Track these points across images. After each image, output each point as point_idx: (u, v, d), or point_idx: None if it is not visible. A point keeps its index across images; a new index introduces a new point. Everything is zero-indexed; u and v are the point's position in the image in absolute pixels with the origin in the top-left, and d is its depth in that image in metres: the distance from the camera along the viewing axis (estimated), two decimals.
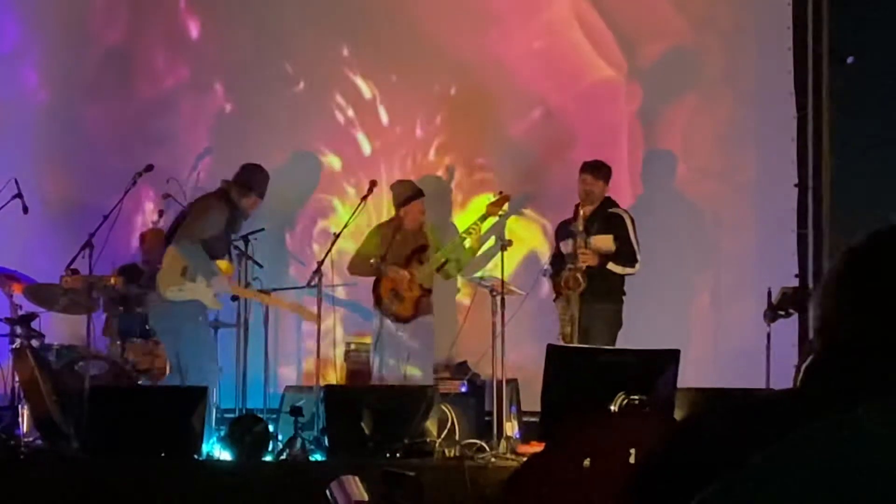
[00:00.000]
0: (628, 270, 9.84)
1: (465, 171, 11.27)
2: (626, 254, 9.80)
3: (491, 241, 10.24)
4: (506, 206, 10.34)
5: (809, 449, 1.50)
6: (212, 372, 9.56)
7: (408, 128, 11.33)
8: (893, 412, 1.53)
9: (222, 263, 9.67)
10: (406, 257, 10.21)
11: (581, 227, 9.76)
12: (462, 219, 10.85)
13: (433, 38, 11.34)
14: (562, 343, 9.59)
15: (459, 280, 10.70)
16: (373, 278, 10.33)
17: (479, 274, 10.26)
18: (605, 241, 9.79)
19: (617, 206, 10.01)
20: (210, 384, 9.39)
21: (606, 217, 9.90)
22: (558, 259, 10.00)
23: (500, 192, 10.34)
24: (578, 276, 9.66)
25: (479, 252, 10.38)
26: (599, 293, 9.77)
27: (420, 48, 11.36)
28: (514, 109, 11.22)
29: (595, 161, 10.07)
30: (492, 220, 10.32)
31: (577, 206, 9.89)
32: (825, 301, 1.76)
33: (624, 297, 9.94)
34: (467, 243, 10.24)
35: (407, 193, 10.26)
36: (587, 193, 9.92)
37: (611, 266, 9.77)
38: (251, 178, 9.80)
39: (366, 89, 11.38)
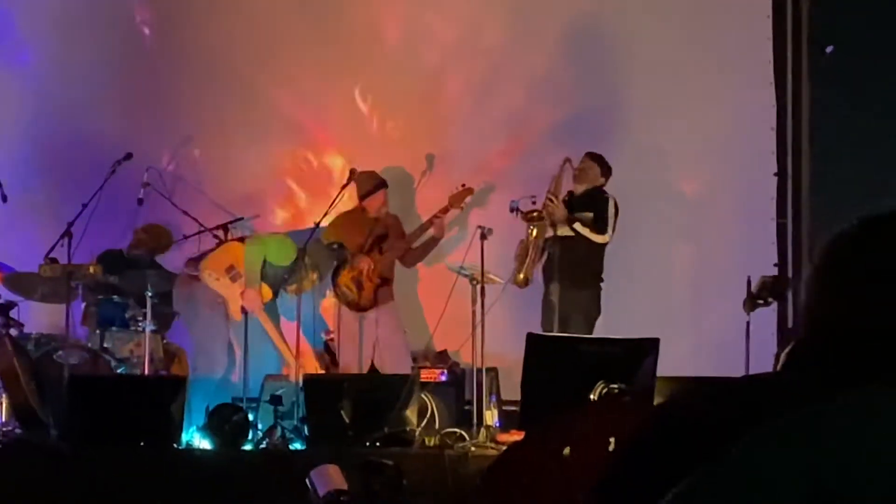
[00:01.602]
0: (595, 237, 9.86)
1: (432, 162, 11.26)
2: (597, 222, 9.83)
3: None
4: (468, 199, 10.35)
5: (788, 439, 1.50)
6: (219, 361, 9.68)
7: (379, 118, 11.33)
8: (871, 401, 1.53)
9: (265, 287, 9.91)
10: (368, 246, 10.21)
11: (554, 187, 9.83)
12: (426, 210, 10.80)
13: (399, 26, 11.37)
14: (516, 285, 9.81)
15: (436, 268, 10.67)
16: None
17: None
18: (585, 215, 9.86)
19: (606, 192, 10.05)
20: (215, 373, 9.52)
21: (595, 199, 9.96)
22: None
23: (463, 185, 10.35)
24: (537, 213, 9.72)
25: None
26: (577, 279, 9.79)
27: (388, 37, 11.38)
28: (487, 98, 11.22)
29: (599, 153, 10.14)
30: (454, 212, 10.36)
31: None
32: (811, 286, 1.76)
33: (602, 284, 9.96)
34: (430, 233, 10.25)
35: (369, 185, 10.27)
36: (580, 171, 10.01)
37: (577, 226, 9.80)
38: (321, 259, 10.05)
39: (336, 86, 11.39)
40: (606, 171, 10.12)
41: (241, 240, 10.21)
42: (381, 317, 10.20)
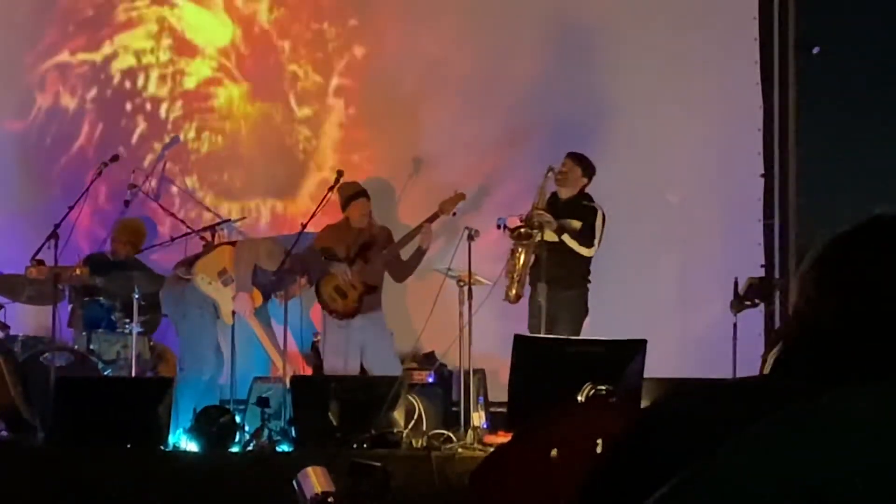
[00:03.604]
0: (582, 249, 9.84)
1: (417, 170, 11.25)
2: (584, 234, 9.83)
3: None
4: (459, 205, 10.26)
5: (774, 438, 1.50)
6: (208, 361, 9.68)
7: (368, 122, 11.33)
8: (858, 400, 1.53)
9: (256, 292, 9.91)
10: (353, 255, 10.16)
11: (540, 200, 9.82)
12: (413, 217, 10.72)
13: (386, 30, 11.36)
14: (507, 301, 9.77)
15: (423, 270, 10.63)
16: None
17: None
18: (572, 223, 9.84)
19: (593, 200, 10.02)
20: (203, 374, 9.53)
21: (580, 207, 9.92)
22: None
23: (456, 192, 10.29)
24: (528, 229, 9.69)
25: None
26: (564, 280, 9.79)
27: (373, 43, 11.38)
28: (471, 103, 11.21)
29: (579, 153, 10.09)
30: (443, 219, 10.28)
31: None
32: (801, 288, 1.76)
33: (589, 285, 9.95)
34: (418, 242, 10.18)
35: (348, 194, 10.20)
36: (562, 174, 9.94)
37: (565, 237, 9.78)
38: (309, 264, 10.01)
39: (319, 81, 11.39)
40: (589, 171, 10.06)
41: (233, 244, 10.19)
42: (369, 324, 10.16)
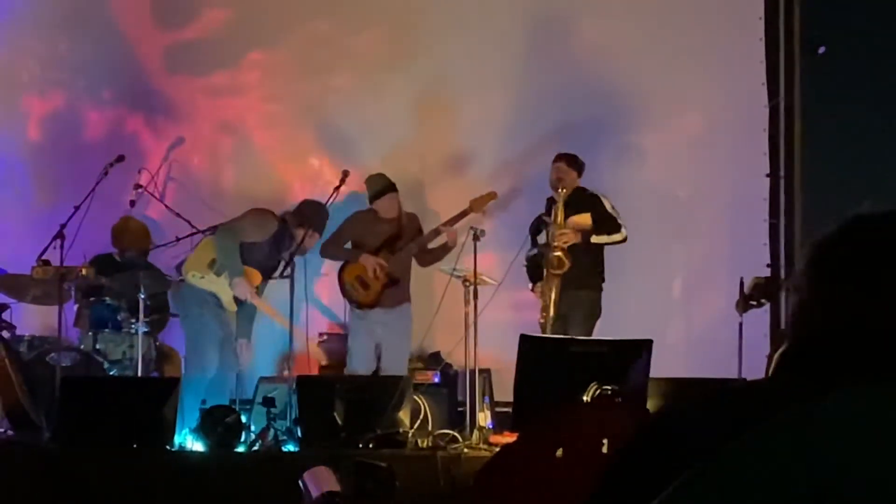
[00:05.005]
0: (614, 238, 9.82)
1: (444, 165, 11.25)
2: (607, 224, 9.80)
3: None
4: (490, 204, 10.22)
5: (777, 439, 1.51)
6: (211, 360, 9.67)
7: (387, 118, 11.31)
8: (861, 401, 1.53)
9: (252, 272, 9.84)
10: (377, 246, 10.16)
11: (558, 218, 9.76)
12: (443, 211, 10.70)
13: (411, 28, 11.35)
14: (541, 324, 9.67)
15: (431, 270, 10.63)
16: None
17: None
18: (582, 219, 9.80)
19: (588, 189, 10.00)
20: (207, 372, 9.53)
21: (581, 199, 9.90)
22: (533, 251, 10.00)
23: (490, 192, 10.23)
24: (561, 255, 9.67)
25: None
26: (579, 280, 9.76)
27: (398, 38, 11.37)
28: (492, 101, 11.21)
29: (570, 153, 10.07)
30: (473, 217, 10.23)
31: (549, 199, 9.92)
32: (796, 292, 1.77)
33: (603, 285, 9.93)
34: (442, 240, 10.16)
35: (378, 187, 10.19)
36: (559, 180, 9.89)
37: (595, 238, 9.75)
38: (306, 213, 9.96)
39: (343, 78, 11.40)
40: (582, 169, 10.02)
41: (214, 230, 10.10)
42: (391, 319, 10.15)
